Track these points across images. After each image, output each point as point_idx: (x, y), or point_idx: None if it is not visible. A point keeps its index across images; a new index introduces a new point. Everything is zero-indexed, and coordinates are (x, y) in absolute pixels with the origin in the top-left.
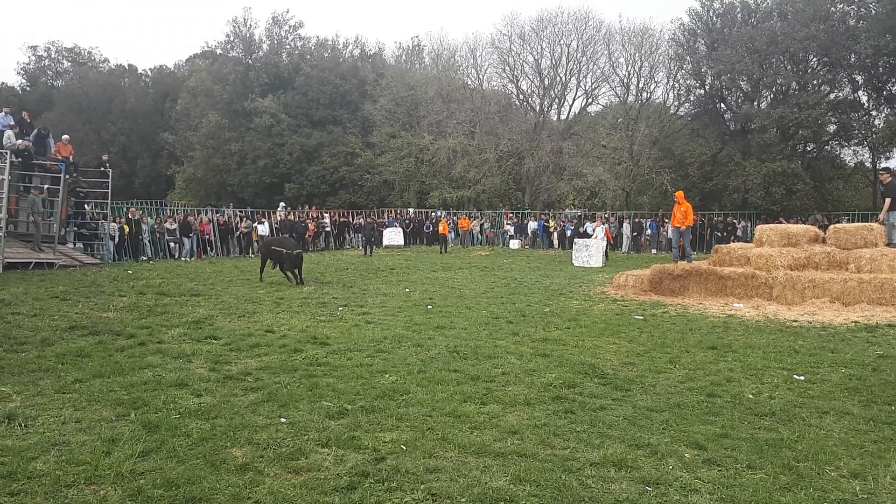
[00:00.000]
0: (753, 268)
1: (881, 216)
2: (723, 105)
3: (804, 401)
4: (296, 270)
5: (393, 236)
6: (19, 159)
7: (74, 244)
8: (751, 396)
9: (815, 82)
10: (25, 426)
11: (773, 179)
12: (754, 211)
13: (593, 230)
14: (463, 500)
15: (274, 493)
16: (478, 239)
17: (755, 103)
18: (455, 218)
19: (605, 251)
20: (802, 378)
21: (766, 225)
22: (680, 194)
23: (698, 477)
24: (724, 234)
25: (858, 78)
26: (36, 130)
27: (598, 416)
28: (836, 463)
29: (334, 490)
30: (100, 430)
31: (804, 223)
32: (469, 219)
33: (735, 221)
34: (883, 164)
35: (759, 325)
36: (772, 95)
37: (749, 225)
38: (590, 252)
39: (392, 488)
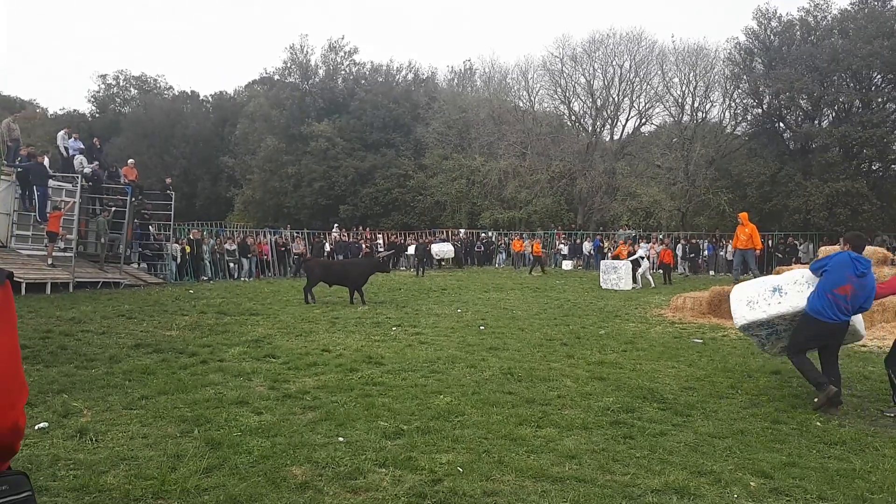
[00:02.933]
0: None
1: None
2: (782, 124)
3: (877, 430)
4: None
5: (443, 247)
6: (89, 183)
7: (139, 264)
8: (819, 424)
9: (879, 100)
10: (96, 441)
11: (836, 199)
12: (816, 232)
13: (645, 253)
14: None
15: None
16: (529, 260)
17: (816, 122)
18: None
19: (644, 273)
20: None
21: (830, 246)
22: (744, 215)
23: None
24: (785, 255)
25: None
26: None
27: (659, 441)
28: None
29: None
30: (165, 445)
31: (870, 244)
32: (522, 239)
33: (796, 242)
34: None
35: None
36: (833, 114)
37: (811, 246)
38: (619, 274)
39: None
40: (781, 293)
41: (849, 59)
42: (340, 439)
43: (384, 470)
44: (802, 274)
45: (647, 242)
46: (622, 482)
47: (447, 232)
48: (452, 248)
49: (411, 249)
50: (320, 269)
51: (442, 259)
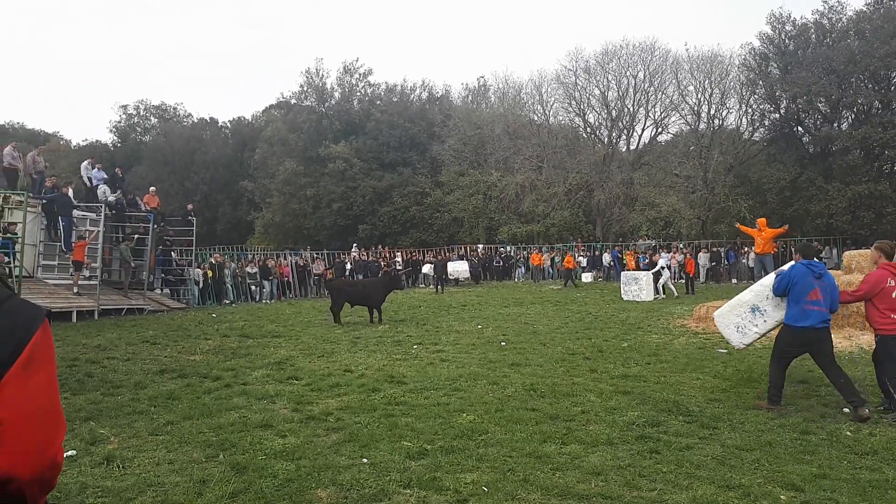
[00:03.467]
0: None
1: None
2: (800, 128)
3: None
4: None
5: (458, 267)
6: (113, 211)
7: (162, 290)
8: (849, 434)
9: None
10: (123, 468)
11: (859, 203)
12: (840, 236)
13: (666, 263)
14: None
15: None
16: (549, 273)
17: (835, 125)
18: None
19: (666, 283)
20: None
21: (855, 251)
22: (762, 221)
23: None
24: None
25: None
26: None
27: (685, 455)
28: None
29: None
30: (191, 471)
31: None
32: (541, 253)
33: (819, 247)
34: None
35: (853, 356)
36: (853, 116)
37: (835, 251)
38: (640, 285)
39: None
40: (762, 312)
41: (866, 61)
42: (364, 461)
43: (409, 491)
44: (767, 286)
45: (668, 252)
46: (649, 498)
47: (465, 248)
48: (467, 266)
49: (427, 268)
50: (345, 289)
51: (458, 278)
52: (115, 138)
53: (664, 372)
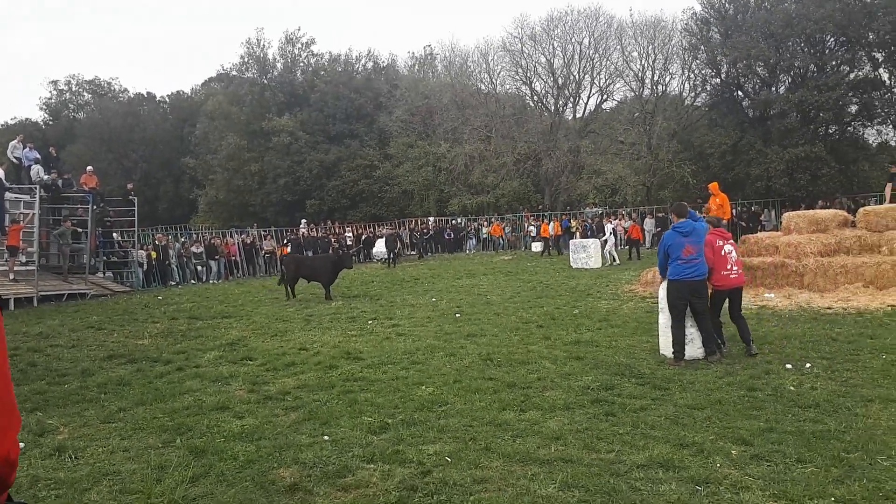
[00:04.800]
0: (783, 256)
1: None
2: (740, 93)
3: (848, 390)
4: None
5: (381, 247)
6: (48, 193)
7: (104, 273)
8: (792, 388)
9: (833, 63)
10: (76, 458)
11: (796, 165)
12: (778, 199)
13: (609, 231)
14: None
15: None
16: (499, 243)
17: (773, 88)
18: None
19: (609, 250)
20: (789, 367)
21: (794, 212)
22: (714, 185)
23: (748, 473)
24: (749, 224)
25: (878, 56)
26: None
27: (640, 416)
28: (888, 452)
29: None
30: (148, 457)
31: (830, 208)
32: (500, 224)
33: (759, 210)
34: None
35: (793, 314)
36: (790, 79)
37: (774, 213)
38: (588, 253)
39: (442, 500)
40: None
41: (802, 24)
42: (326, 438)
43: (373, 465)
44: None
45: (615, 219)
46: (608, 459)
47: (416, 221)
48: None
49: (380, 246)
50: (294, 265)
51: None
52: (47, 116)
53: (615, 336)
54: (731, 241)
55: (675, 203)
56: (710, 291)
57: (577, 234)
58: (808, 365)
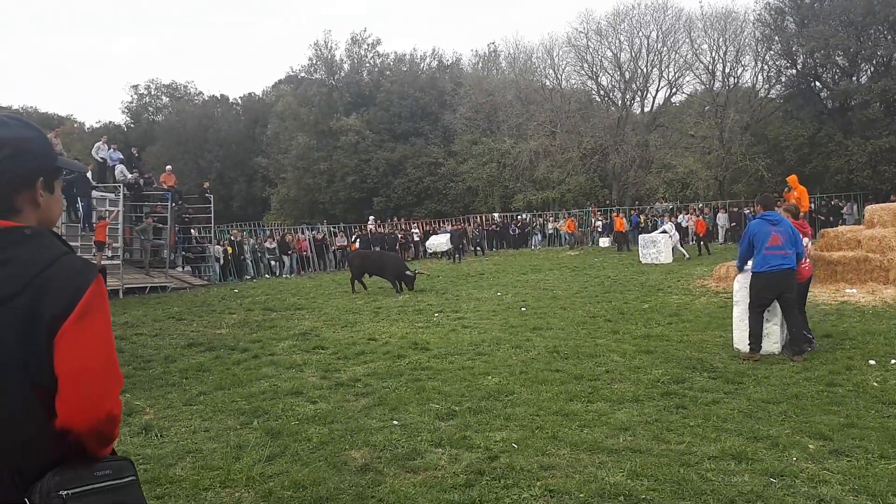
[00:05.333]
0: (866, 251)
1: None
2: (818, 83)
3: None
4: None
5: (437, 239)
6: (131, 192)
7: (183, 267)
8: (875, 384)
9: None
10: (161, 436)
11: (880, 157)
12: (861, 192)
13: (666, 227)
14: (581, 495)
15: (396, 492)
16: (565, 239)
17: (854, 78)
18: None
19: (676, 246)
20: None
21: (878, 205)
22: (793, 179)
23: (826, 468)
24: (830, 217)
25: None
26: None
27: (712, 410)
28: None
29: (453, 488)
30: (227, 437)
31: None
32: (572, 218)
33: (840, 204)
34: None
35: (877, 310)
36: (872, 68)
37: (856, 206)
38: (658, 248)
39: (509, 485)
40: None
41: (885, 10)
42: (395, 423)
43: (440, 450)
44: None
45: (685, 214)
46: (678, 451)
47: (481, 217)
48: (446, 238)
49: (435, 240)
50: (359, 260)
51: (437, 251)
52: (128, 119)
53: (686, 331)
54: (809, 234)
55: (762, 194)
56: None
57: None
58: (893, 361)
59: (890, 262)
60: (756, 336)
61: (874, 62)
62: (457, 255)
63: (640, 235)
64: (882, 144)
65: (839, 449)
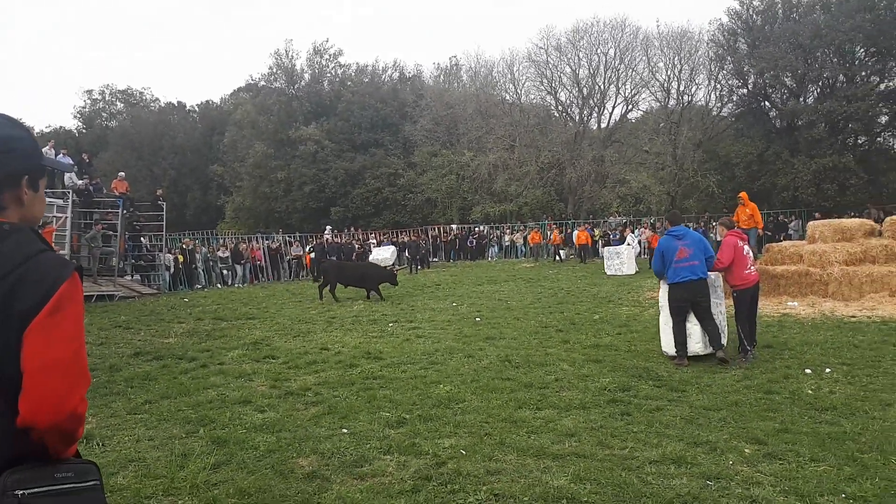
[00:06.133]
0: (807, 265)
1: None
2: (767, 103)
3: (866, 394)
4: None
5: (380, 254)
6: (80, 198)
7: (132, 276)
8: (810, 392)
9: (863, 73)
10: (103, 445)
11: (824, 175)
12: (805, 209)
13: (629, 240)
14: (525, 499)
15: (342, 498)
16: (521, 251)
17: (801, 99)
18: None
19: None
20: (809, 371)
21: (819, 221)
22: (744, 195)
23: (759, 470)
24: (775, 233)
25: None
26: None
27: (655, 416)
28: None
29: (399, 493)
30: (172, 446)
31: (859, 217)
32: (537, 229)
33: (786, 220)
34: None
35: (816, 322)
36: (818, 90)
37: (801, 223)
38: (621, 259)
39: (455, 490)
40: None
41: (831, 35)
42: (344, 431)
43: (389, 456)
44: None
45: (638, 229)
46: (621, 455)
47: (439, 228)
48: (390, 253)
49: (380, 253)
50: (336, 271)
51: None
52: (80, 124)
53: (635, 341)
54: (747, 241)
55: (670, 211)
56: (733, 294)
57: (600, 243)
58: (827, 370)
59: (829, 276)
60: (681, 344)
61: (820, 84)
62: (414, 266)
63: (605, 248)
64: (826, 163)
65: (773, 453)
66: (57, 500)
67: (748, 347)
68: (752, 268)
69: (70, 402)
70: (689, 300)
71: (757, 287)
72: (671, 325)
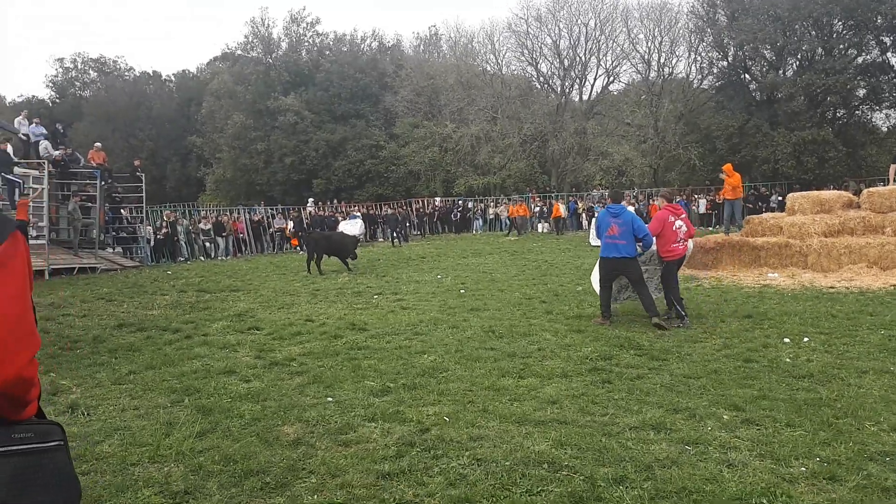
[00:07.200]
0: (787, 237)
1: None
2: (747, 75)
3: (843, 362)
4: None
5: (348, 227)
6: (57, 169)
7: (114, 248)
8: (788, 360)
9: (841, 47)
10: (88, 414)
11: (803, 148)
12: (785, 181)
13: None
14: (507, 463)
15: (327, 464)
16: (505, 224)
17: (780, 72)
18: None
19: None
20: (787, 341)
21: (798, 193)
22: (728, 167)
23: (737, 436)
24: (758, 204)
25: (886, 40)
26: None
27: (636, 384)
28: (876, 418)
29: (383, 459)
30: (157, 415)
31: (837, 189)
32: (523, 202)
33: (766, 192)
34: None
35: (795, 293)
36: (797, 63)
37: (781, 195)
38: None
39: (438, 455)
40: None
41: (810, 7)
42: (329, 399)
43: (373, 424)
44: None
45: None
46: (601, 422)
47: (423, 201)
48: (358, 228)
49: (349, 227)
50: (324, 242)
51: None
52: (53, 94)
53: (616, 312)
54: (684, 216)
55: (613, 189)
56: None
57: (584, 216)
58: (805, 339)
59: (808, 248)
60: (606, 306)
61: (799, 56)
62: (399, 239)
63: (593, 219)
64: (805, 136)
65: (750, 419)
66: (18, 460)
67: (683, 314)
68: (682, 242)
69: (16, 363)
70: (614, 273)
71: (680, 261)
72: (599, 290)
